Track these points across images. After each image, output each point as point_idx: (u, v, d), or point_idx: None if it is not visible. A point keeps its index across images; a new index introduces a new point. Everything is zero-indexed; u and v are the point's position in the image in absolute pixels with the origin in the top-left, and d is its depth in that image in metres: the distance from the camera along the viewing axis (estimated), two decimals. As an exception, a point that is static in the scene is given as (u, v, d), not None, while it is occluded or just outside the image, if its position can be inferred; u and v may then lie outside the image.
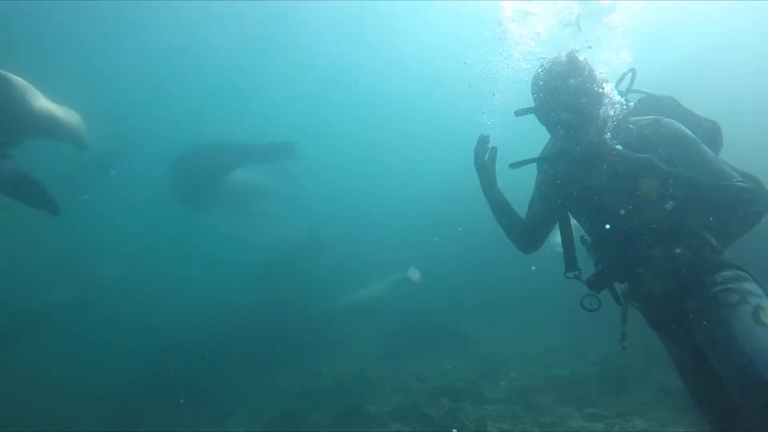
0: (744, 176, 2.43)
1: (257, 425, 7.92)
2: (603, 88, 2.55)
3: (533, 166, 2.90)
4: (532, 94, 2.66)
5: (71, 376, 10.59)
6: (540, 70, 2.61)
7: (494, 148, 2.85)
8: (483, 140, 2.84)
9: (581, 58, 2.56)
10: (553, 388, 7.60)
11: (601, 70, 2.61)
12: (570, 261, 2.74)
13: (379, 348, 10.59)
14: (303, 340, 10.62)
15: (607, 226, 2.59)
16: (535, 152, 2.90)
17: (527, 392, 7.55)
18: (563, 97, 2.47)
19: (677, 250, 2.37)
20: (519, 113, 2.63)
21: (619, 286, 2.69)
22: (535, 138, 2.96)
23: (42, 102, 7.43)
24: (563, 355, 9.01)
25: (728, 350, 2.11)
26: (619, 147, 2.53)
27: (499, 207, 2.90)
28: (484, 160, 2.85)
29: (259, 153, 12.70)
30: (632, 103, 2.75)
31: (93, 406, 9.04)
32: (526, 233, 2.91)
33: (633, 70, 2.76)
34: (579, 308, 2.68)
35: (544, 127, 2.70)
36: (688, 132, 2.50)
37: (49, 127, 7.22)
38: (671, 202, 2.43)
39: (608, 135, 2.55)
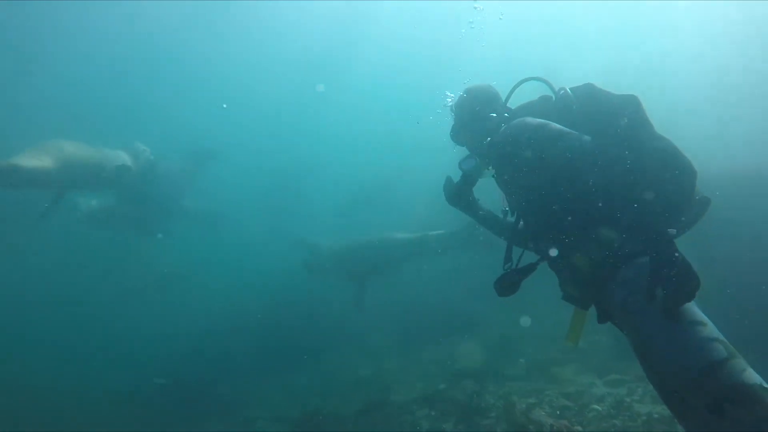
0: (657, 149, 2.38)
1: (284, 426, 7.96)
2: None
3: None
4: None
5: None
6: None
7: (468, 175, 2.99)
8: (449, 180, 3.03)
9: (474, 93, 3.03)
10: (571, 359, 7.73)
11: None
12: (506, 256, 2.89)
13: (393, 339, 10.64)
14: (317, 338, 10.65)
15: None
16: None
17: (547, 366, 7.69)
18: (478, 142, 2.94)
19: (574, 256, 2.47)
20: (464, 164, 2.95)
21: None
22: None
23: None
24: (574, 327, 9.12)
25: (652, 358, 2.14)
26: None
27: (489, 223, 3.16)
28: (461, 191, 2.98)
29: (187, 165, 12.12)
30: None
31: (115, 410, 8.99)
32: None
33: (539, 78, 2.89)
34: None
35: None
36: (532, 122, 2.60)
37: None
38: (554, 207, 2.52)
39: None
